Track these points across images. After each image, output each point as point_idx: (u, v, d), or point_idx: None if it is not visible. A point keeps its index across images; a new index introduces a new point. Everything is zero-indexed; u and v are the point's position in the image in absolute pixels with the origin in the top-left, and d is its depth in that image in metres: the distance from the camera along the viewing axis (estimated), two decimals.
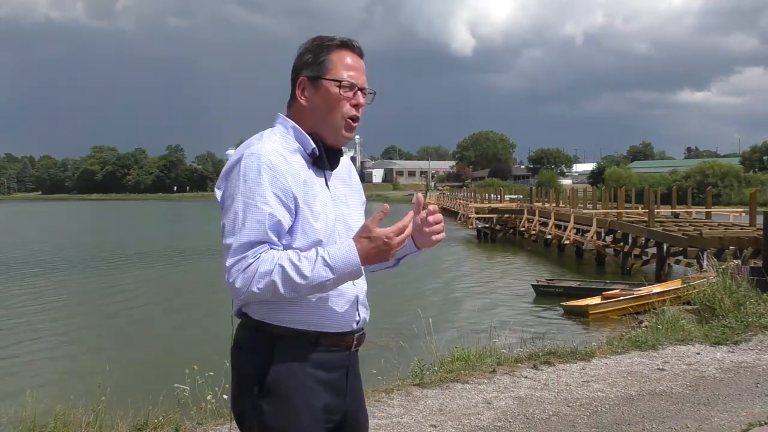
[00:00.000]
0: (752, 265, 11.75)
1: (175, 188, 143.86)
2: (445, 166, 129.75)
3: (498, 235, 35.82)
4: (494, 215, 36.82)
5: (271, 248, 1.78)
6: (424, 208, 1.97)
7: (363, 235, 1.78)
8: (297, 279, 1.74)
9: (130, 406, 4.86)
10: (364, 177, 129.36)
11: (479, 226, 37.16)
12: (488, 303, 17.37)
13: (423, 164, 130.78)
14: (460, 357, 6.39)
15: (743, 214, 27.18)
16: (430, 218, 1.96)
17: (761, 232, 14.41)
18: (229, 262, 1.77)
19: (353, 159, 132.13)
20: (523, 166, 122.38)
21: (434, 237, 1.97)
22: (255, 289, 1.75)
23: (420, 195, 1.98)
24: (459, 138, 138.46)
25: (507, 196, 48.59)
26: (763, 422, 4.51)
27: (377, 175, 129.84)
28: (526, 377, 5.67)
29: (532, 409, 4.85)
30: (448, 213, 59.94)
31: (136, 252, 31.34)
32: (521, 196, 48.62)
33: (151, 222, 58.04)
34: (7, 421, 4.88)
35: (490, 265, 26.28)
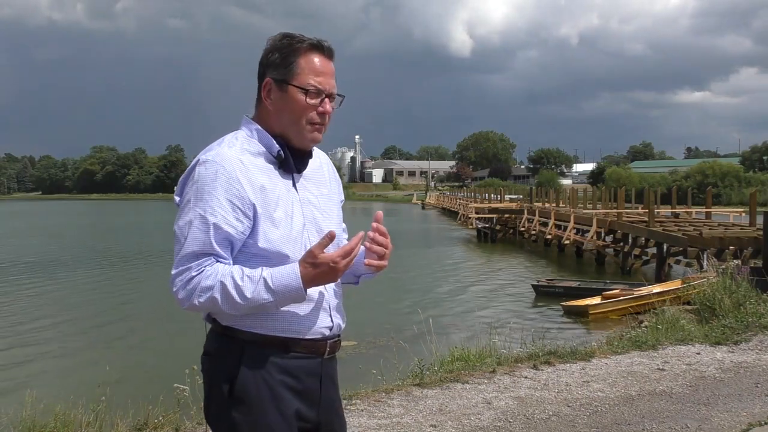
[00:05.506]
0: (752, 265, 11.72)
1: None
2: (445, 166, 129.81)
3: (498, 235, 35.82)
4: (494, 215, 36.83)
5: (218, 261, 1.76)
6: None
7: (308, 261, 1.74)
8: (237, 298, 1.72)
9: (130, 406, 4.86)
10: (364, 177, 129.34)
11: (479, 226, 37.18)
12: (488, 303, 17.36)
13: (423, 164, 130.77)
14: (460, 357, 6.39)
15: (743, 214, 27.19)
16: (377, 237, 1.85)
17: (761, 232, 14.41)
18: (173, 272, 1.77)
19: (353, 159, 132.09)
20: (523, 166, 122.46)
21: (365, 261, 1.84)
22: (196, 302, 1.74)
23: (380, 213, 1.90)
24: (459, 138, 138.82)
25: (507, 196, 48.62)
26: (763, 422, 4.51)
27: (377, 175, 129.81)
28: (526, 377, 5.67)
29: (532, 409, 4.85)
30: (448, 213, 59.99)
31: (137, 252, 31.33)
32: (521, 196, 48.69)
33: (152, 221, 57.97)
34: (7, 421, 4.86)
35: (490, 265, 26.25)
